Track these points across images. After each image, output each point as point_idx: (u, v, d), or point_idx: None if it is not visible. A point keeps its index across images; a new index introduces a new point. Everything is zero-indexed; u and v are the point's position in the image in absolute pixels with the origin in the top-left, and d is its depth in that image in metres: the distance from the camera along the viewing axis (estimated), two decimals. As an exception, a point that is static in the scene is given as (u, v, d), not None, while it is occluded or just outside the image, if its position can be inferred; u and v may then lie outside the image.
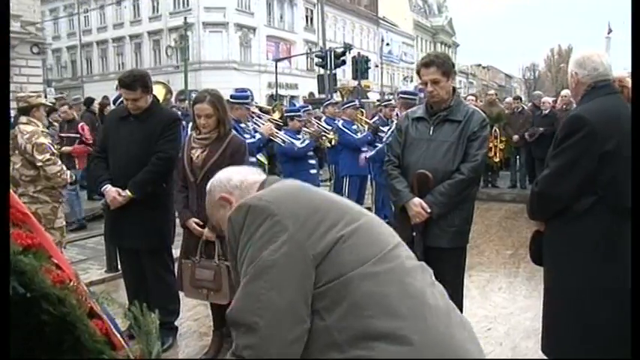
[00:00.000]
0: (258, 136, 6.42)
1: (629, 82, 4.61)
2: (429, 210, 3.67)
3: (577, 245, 3.23)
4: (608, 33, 36.50)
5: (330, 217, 1.74)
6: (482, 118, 3.84)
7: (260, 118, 7.07)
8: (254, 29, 43.13)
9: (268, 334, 1.59)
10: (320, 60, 23.61)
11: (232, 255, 1.82)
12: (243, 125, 6.28)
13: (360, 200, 8.65)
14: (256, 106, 8.47)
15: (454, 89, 3.89)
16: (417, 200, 3.71)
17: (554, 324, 3.40)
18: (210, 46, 40.59)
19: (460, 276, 3.95)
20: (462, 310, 3.95)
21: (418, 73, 3.90)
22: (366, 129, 8.91)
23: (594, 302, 3.20)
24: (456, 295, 3.91)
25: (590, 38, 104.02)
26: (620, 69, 4.85)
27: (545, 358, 3.49)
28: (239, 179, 2.09)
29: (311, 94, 33.27)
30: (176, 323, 4.72)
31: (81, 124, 10.14)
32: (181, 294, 4.49)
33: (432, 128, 3.80)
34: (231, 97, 6.39)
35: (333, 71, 22.99)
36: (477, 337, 1.83)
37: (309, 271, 1.63)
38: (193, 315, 5.19)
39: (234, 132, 4.38)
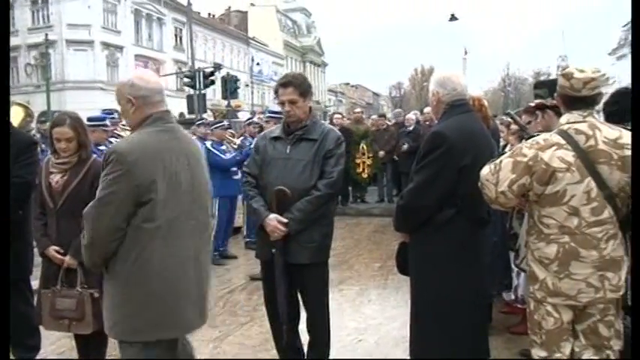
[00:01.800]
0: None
1: (485, 102, 4.97)
2: (285, 226, 3.70)
3: (438, 254, 3.41)
4: (465, 54, 38.89)
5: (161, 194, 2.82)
6: (338, 136, 3.93)
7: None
8: (121, 48, 41.88)
9: (96, 235, 2.81)
10: (189, 80, 23.20)
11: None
12: (102, 148, 6.11)
13: (230, 220, 8.69)
14: (124, 129, 8.19)
15: (310, 109, 3.97)
16: (272, 216, 3.72)
17: (420, 329, 3.55)
18: (74, 64, 38.82)
19: (324, 291, 3.97)
20: (329, 325, 3.98)
21: (276, 92, 3.95)
22: (235, 149, 8.86)
23: (455, 306, 3.39)
24: (322, 310, 3.94)
25: (448, 59, 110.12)
26: (477, 88, 5.19)
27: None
28: (146, 95, 2.93)
29: (181, 114, 32.66)
30: (37, 358, 4.44)
31: None
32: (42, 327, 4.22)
33: (288, 147, 3.85)
34: (88, 119, 6.18)
35: (203, 91, 22.65)
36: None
37: (129, 209, 2.78)
38: (57, 348, 4.91)
39: (94, 156, 4.21)
